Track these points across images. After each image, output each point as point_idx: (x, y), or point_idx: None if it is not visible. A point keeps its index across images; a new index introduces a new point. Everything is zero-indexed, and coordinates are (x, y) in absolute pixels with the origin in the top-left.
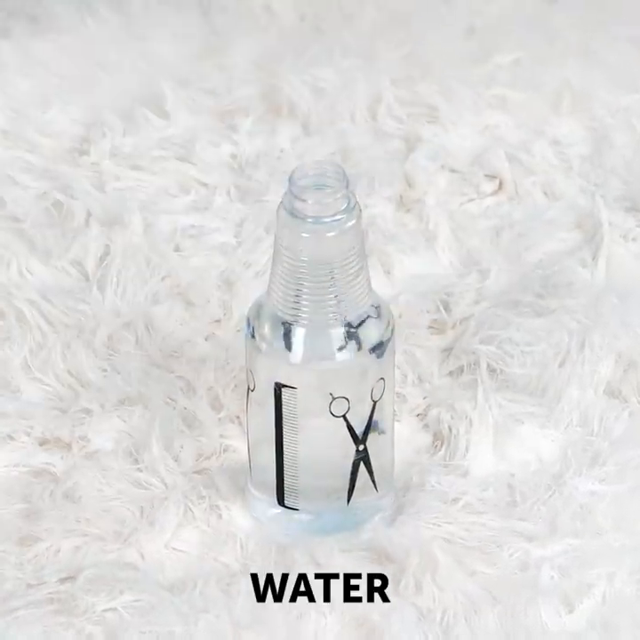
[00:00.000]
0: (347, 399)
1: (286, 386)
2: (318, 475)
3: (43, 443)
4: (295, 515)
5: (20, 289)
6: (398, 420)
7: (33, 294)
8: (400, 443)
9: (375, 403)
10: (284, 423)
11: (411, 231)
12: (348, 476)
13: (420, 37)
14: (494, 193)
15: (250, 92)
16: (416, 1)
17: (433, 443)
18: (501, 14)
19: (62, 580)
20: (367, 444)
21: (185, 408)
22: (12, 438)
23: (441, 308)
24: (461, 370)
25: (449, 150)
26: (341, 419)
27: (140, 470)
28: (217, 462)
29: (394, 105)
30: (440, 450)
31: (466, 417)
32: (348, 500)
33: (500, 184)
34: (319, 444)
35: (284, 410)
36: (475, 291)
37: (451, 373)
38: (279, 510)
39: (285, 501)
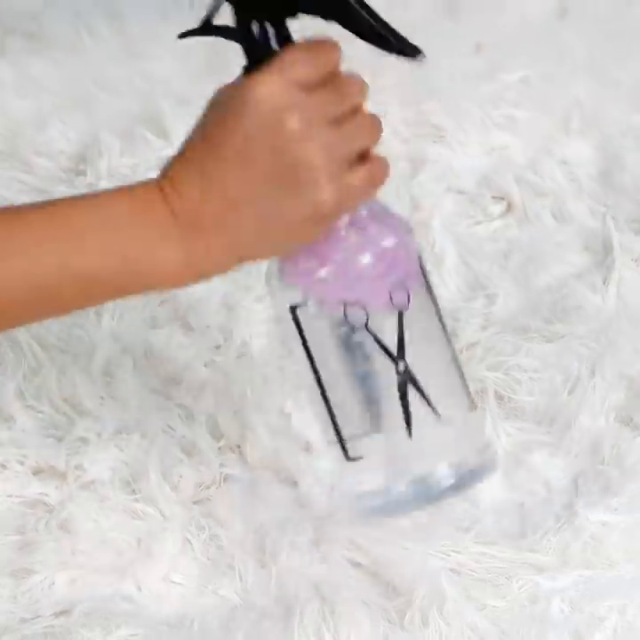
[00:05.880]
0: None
1: (298, 305)
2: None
3: (37, 472)
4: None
5: None
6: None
7: None
8: None
9: (401, 312)
10: (311, 351)
11: None
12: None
13: (425, 54)
14: (502, 215)
15: None
16: (421, 17)
17: None
18: (509, 31)
19: (57, 614)
20: (408, 361)
21: (184, 436)
22: (4, 468)
23: None
24: None
25: (456, 171)
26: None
27: (137, 500)
28: (217, 492)
29: (399, 125)
30: None
31: None
32: (409, 433)
33: (508, 206)
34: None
35: (305, 333)
36: (482, 316)
37: None
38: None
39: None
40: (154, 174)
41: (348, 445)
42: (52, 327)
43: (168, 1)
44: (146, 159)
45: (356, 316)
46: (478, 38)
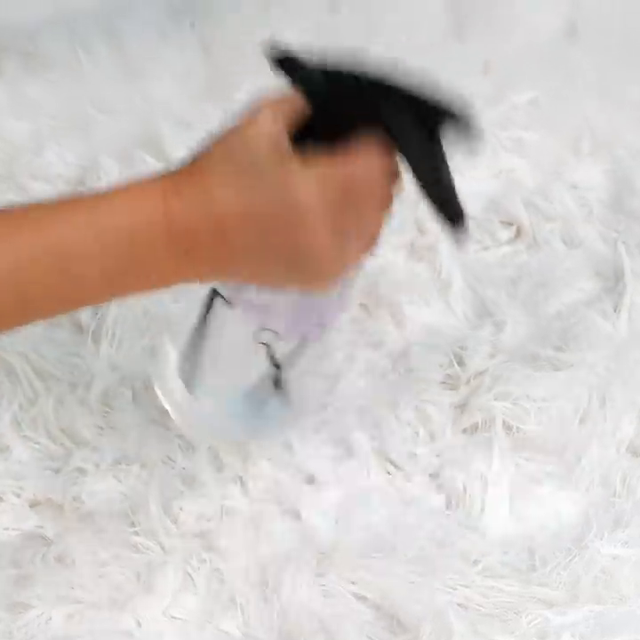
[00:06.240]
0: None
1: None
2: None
3: (34, 504)
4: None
5: (9, 341)
6: (409, 481)
7: (23, 346)
8: (412, 503)
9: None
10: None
11: (423, 281)
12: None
13: (432, 75)
14: (510, 240)
15: None
16: (428, 37)
17: (446, 504)
18: (517, 51)
19: None
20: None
21: (184, 467)
22: (0, 500)
23: (454, 362)
24: (476, 427)
25: (463, 195)
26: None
27: (136, 533)
28: (218, 524)
29: None
30: (454, 511)
31: (481, 477)
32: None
33: (517, 231)
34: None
35: (210, 314)
36: (490, 343)
37: (465, 431)
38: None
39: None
40: None
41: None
42: (49, 356)
43: (168, 20)
44: None
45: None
46: (486, 59)
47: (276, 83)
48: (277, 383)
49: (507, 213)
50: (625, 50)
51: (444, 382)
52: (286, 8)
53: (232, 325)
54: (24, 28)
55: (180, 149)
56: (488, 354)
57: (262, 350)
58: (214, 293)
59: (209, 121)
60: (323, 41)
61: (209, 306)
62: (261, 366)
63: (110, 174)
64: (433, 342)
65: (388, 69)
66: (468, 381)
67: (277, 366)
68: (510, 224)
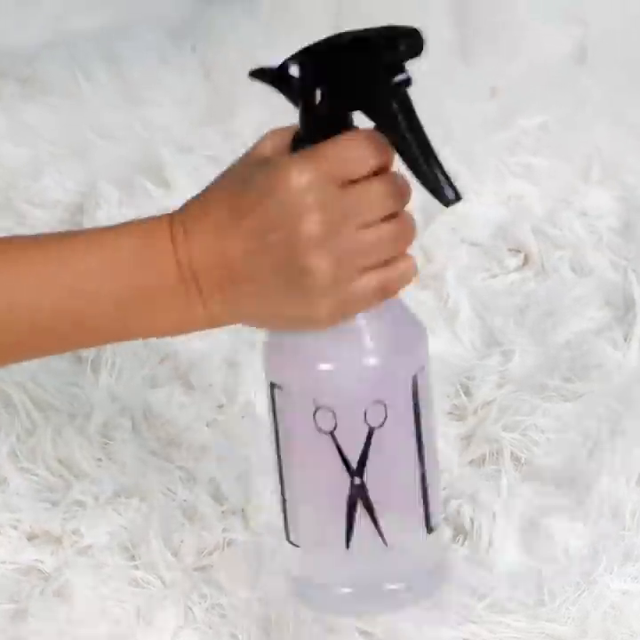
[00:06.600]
0: (333, 412)
1: (277, 385)
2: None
3: (31, 537)
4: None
5: (7, 371)
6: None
7: (21, 376)
8: None
9: (372, 429)
10: (279, 434)
11: (429, 309)
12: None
13: (438, 99)
14: (519, 268)
15: None
16: (434, 60)
17: (454, 536)
18: (525, 75)
19: None
20: (365, 479)
21: (185, 500)
22: None
23: (461, 392)
24: (483, 459)
25: (470, 222)
26: (329, 436)
27: (136, 567)
28: (220, 558)
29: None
30: (462, 544)
31: (489, 509)
32: (347, 544)
33: (525, 258)
34: (310, 467)
35: (277, 415)
36: (498, 373)
37: (472, 462)
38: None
39: (289, 535)
40: None
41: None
42: (48, 385)
43: (168, 44)
44: (145, 209)
45: (326, 418)
46: (493, 83)
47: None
48: (370, 510)
49: (515, 240)
50: (635, 74)
51: (450, 413)
52: (288, 31)
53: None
54: (22, 53)
55: (180, 175)
56: (496, 384)
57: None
58: (271, 389)
59: (210, 146)
60: None
61: (273, 406)
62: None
63: (110, 200)
64: (439, 372)
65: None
66: (475, 412)
67: (358, 475)
68: (518, 251)
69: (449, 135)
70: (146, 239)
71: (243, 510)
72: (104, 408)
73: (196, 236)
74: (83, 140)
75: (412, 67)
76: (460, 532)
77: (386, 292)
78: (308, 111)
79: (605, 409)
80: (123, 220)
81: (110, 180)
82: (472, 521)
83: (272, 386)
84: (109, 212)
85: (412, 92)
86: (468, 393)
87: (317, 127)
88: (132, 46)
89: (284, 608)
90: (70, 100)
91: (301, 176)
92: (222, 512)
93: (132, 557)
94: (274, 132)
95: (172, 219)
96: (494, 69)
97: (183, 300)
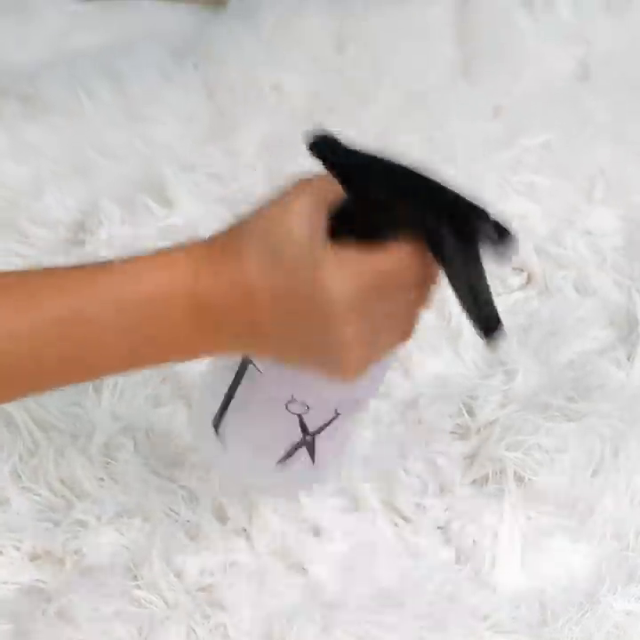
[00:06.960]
0: (307, 406)
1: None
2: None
3: (33, 558)
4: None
5: None
6: (417, 534)
7: None
8: (420, 557)
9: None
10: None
11: (432, 329)
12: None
13: (441, 118)
14: (521, 287)
15: (258, 178)
16: (436, 79)
17: (456, 557)
18: (528, 94)
19: None
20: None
21: (188, 520)
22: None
23: (464, 412)
24: (486, 479)
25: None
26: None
27: (139, 587)
28: (222, 578)
29: None
30: (464, 565)
31: (491, 530)
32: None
33: (528, 278)
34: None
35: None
36: (501, 393)
37: (475, 482)
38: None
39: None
40: (156, 244)
41: None
42: (50, 405)
43: (170, 62)
44: (148, 228)
45: (298, 406)
46: (496, 101)
47: (280, 127)
48: (312, 454)
49: (518, 260)
50: (638, 93)
51: (453, 432)
52: (291, 48)
53: (262, 393)
54: (24, 71)
55: (182, 194)
56: (499, 403)
57: (294, 420)
58: (247, 361)
59: (212, 164)
60: (328, 82)
61: (241, 373)
62: (293, 435)
63: (111, 219)
64: (442, 392)
65: (426, 170)
66: (478, 431)
67: (310, 437)
68: (521, 270)
69: (452, 154)
70: (165, 271)
71: (245, 530)
72: (106, 428)
73: (222, 272)
74: (84, 159)
75: (414, 86)
76: (463, 553)
77: (406, 337)
78: (361, 209)
79: (609, 429)
80: (125, 239)
81: (112, 198)
82: (475, 541)
83: (248, 360)
84: (111, 231)
85: (416, 111)
86: (470, 412)
87: (366, 227)
88: (134, 64)
89: (287, 628)
90: (72, 119)
91: (344, 288)
92: (225, 532)
93: (135, 577)
94: (310, 193)
95: (195, 252)
96: (498, 88)
97: (198, 333)
